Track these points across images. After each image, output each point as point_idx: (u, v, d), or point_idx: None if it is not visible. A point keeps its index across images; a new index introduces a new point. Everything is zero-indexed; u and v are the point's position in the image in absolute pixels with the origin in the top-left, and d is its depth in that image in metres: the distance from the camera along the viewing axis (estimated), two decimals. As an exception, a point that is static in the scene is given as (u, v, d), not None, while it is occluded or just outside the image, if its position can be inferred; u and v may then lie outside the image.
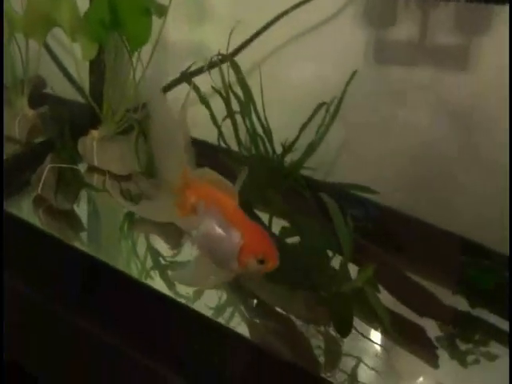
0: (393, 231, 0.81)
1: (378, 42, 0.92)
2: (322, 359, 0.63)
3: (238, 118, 0.87)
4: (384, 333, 0.65)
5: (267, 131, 0.87)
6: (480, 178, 0.87)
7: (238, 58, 0.91)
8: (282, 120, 0.88)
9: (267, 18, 0.96)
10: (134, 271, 0.75)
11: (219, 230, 0.55)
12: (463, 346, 0.70)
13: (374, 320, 0.64)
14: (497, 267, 0.75)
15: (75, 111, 1.00)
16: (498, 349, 0.71)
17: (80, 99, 1.10)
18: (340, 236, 0.66)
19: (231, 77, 0.87)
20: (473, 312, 0.74)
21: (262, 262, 0.53)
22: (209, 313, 0.65)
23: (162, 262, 0.76)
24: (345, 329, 0.63)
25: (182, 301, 0.67)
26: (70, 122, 0.94)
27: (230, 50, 0.89)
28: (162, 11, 0.91)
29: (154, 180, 0.80)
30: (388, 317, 0.62)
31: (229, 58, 0.88)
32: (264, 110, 0.86)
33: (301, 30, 0.96)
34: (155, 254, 0.78)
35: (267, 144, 0.87)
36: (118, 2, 0.88)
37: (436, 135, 0.89)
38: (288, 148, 0.86)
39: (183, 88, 0.92)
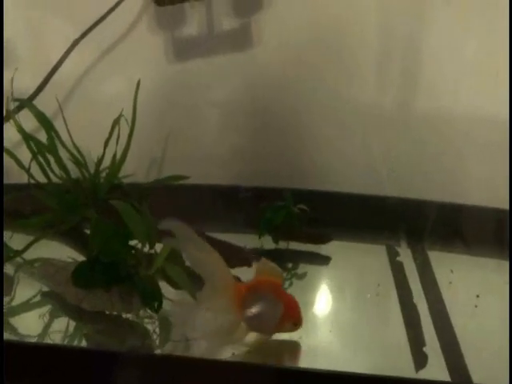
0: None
1: (175, 41, 1.01)
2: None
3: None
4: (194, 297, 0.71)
5: (76, 157, 0.94)
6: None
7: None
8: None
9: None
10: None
11: (267, 304, 0.68)
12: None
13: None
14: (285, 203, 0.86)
15: None
16: (304, 268, 0.83)
17: None
18: (134, 228, 0.74)
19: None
20: (278, 246, 0.85)
21: (295, 324, 0.69)
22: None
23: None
24: (156, 306, 0.72)
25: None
26: None
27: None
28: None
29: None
30: (189, 285, 0.71)
31: (26, 102, 0.95)
32: (72, 138, 0.92)
33: (103, 49, 1.03)
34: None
35: (82, 168, 0.95)
36: None
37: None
38: (97, 164, 0.95)
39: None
